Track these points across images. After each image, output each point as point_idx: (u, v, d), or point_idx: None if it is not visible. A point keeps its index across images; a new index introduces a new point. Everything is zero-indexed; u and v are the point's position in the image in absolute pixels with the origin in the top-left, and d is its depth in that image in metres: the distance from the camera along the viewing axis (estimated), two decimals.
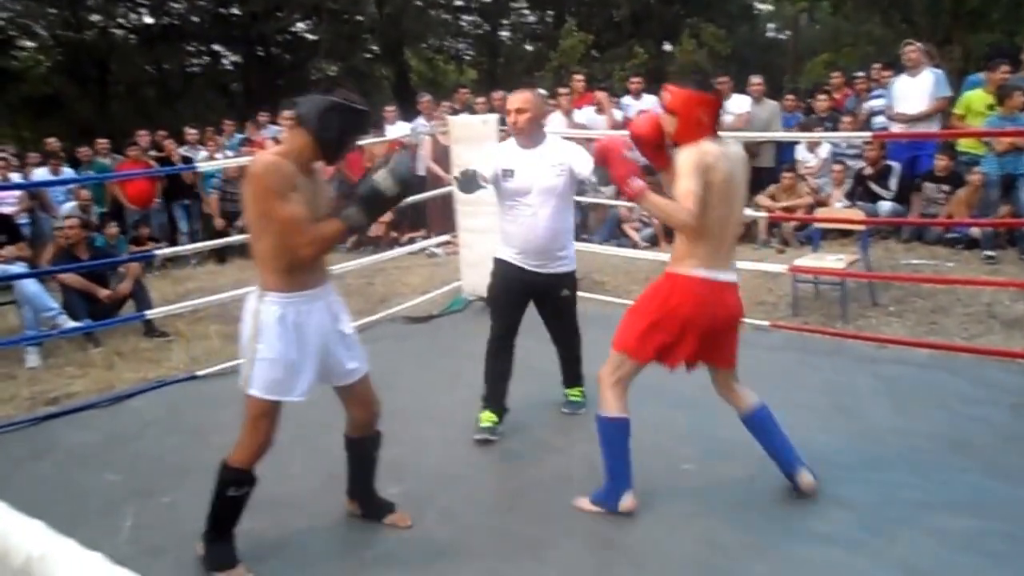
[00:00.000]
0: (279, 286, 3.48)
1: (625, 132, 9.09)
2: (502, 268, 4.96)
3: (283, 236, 3.33)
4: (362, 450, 4.06)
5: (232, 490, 3.64)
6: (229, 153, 12.45)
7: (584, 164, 4.79)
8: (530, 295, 5.01)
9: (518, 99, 4.78)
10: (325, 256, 3.62)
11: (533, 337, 5.20)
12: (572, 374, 5.43)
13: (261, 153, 3.56)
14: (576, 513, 4.04)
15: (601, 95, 11.73)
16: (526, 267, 4.88)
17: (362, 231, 3.12)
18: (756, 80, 11.26)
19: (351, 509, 4.19)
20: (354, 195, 3.47)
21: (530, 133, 4.81)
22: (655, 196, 3.77)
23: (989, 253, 8.29)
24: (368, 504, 4.13)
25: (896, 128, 9.54)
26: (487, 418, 4.98)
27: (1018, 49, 10.26)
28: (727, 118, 10.73)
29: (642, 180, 3.82)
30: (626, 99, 12.29)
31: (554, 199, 4.79)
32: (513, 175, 4.77)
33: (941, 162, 9.31)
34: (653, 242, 10.52)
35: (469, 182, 4.74)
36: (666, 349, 3.95)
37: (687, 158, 3.69)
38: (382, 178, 3.38)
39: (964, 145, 9.53)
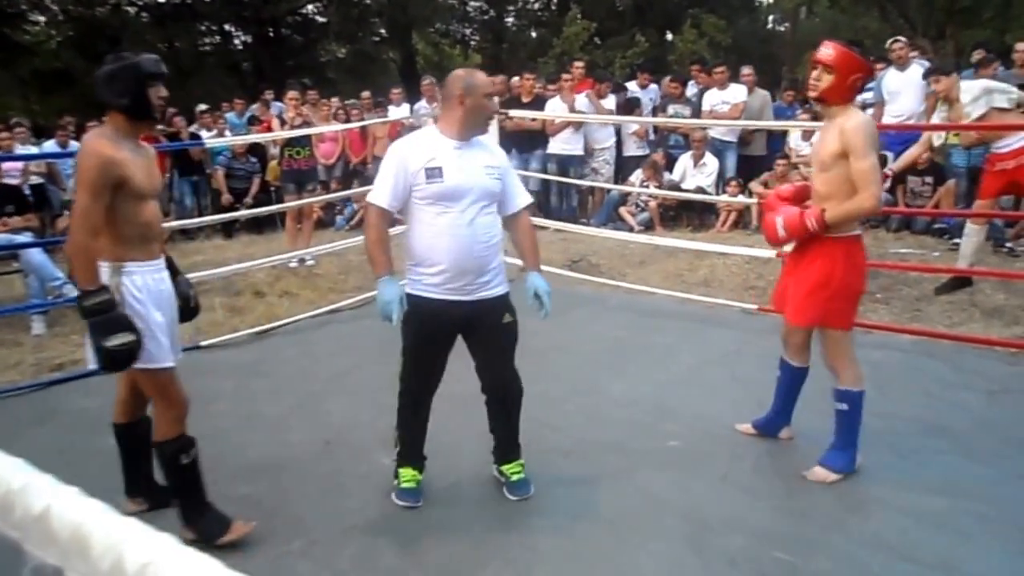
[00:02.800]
0: (134, 255, 3.51)
1: (616, 118, 9.17)
2: (421, 309, 3.81)
3: (74, 221, 3.39)
4: (138, 435, 3.95)
5: (183, 458, 3.67)
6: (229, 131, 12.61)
7: (523, 192, 4.13)
8: (458, 332, 3.98)
9: (492, 80, 4.15)
10: (159, 232, 3.69)
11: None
12: (508, 441, 4.20)
13: (88, 139, 3.49)
14: (563, 488, 4.13)
15: (593, 86, 11.86)
16: (452, 297, 3.81)
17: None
18: (747, 71, 11.47)
19: (132, 509, 3.95)
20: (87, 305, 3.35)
21: (487, 124, 4.05)
22: (836, 212, 3.93)
23: (956, 241, 8.43)
24: (152, 494, 4.04)
25: (887, 120, 9.66)
26: (409, 476, 4.07)
27: (1006, 47, 10.35)
28: (723, 107, 10.88)
29: (810, 211, 3.99)
30: (632, 85, 12.44)
31: (491, 206, 3.88)
32: (441, 175, 3.73)
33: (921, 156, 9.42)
34: (648, 226, 10.68)
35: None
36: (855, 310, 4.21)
37: (861, 130, 3.84)
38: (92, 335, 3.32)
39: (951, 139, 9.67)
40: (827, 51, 3.96)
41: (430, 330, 3.86)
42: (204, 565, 0.66)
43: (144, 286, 3.51)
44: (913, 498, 3.90)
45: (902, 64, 9.73)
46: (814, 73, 4.01)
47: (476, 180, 3.78)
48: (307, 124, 9.73)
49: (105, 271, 3.42)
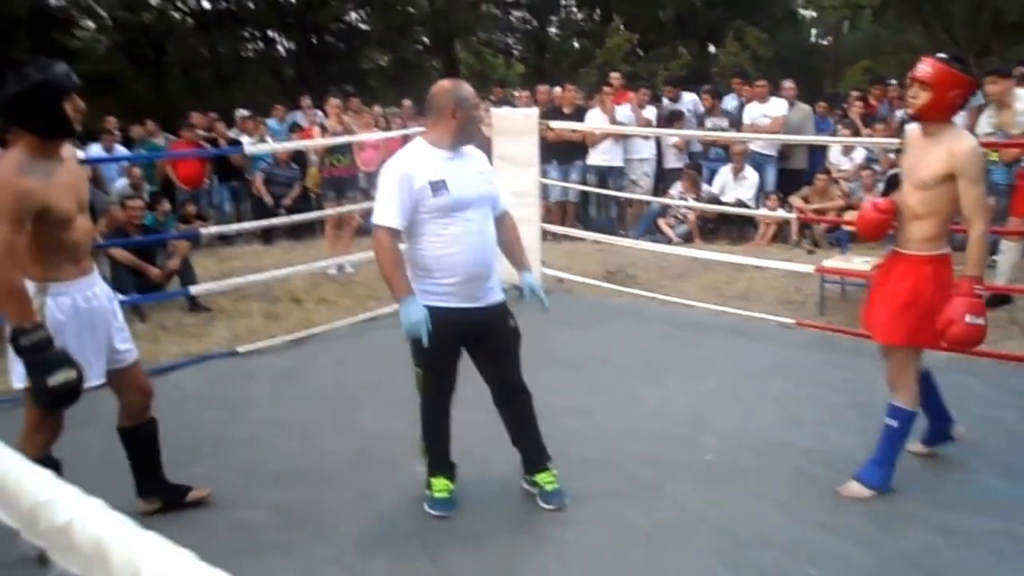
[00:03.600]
0: (60, 276, 3.46)
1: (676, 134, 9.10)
2: (434, 319, 3.76)
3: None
4: (143, 437, 3.98)
5: None
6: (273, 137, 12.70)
7: (503, 197, 4.08)
8: (465, 342, 3.97)
9: (475, 92, 3.99)
10: (88, 245, 3.62)
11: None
12: (534, 449, 4.16)
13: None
14: (596, 500, 4.11)
15: (632, 96, 11.86)
16: (464, 305, 3.82)
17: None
18: (788, 84, 11.46)
19: (146, 509, 3.98)
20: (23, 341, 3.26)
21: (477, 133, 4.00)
22: (973, 266, 3.92)
23: (994, 258, 8.34)
24: (165, 492, 4.05)
25: None
26: (442, 486, 4.07)
27: None
28: (764, 120, 10.83)
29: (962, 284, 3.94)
30: (665, 101, 12.42)
31: (490, 211, 3.92)
32: (446, 187, 3.73)
33: None
34: (687, 238, 10.66)
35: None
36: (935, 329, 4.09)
37: (975, 154, 3.84)
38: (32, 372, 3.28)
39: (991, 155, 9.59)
40: (924, 68, 3.89)
41: (444, 339, 3.81)
42: None
43: (72, 307, 3.48)
44: (947, 516, 3.85)
45: None
46: (911, 91, 3.96)
47: (477, 187, 3.83)
48: (348, 132, 9.78)
49: (30, 289, 3.34)
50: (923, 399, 4.29)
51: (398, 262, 3.81)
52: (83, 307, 3.52)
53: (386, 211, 3.77)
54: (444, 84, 3.94)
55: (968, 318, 3.84)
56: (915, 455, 4.40)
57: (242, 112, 13.53)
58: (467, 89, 3.88)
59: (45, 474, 0.81)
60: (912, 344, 4.06)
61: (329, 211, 9.45)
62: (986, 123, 7.43)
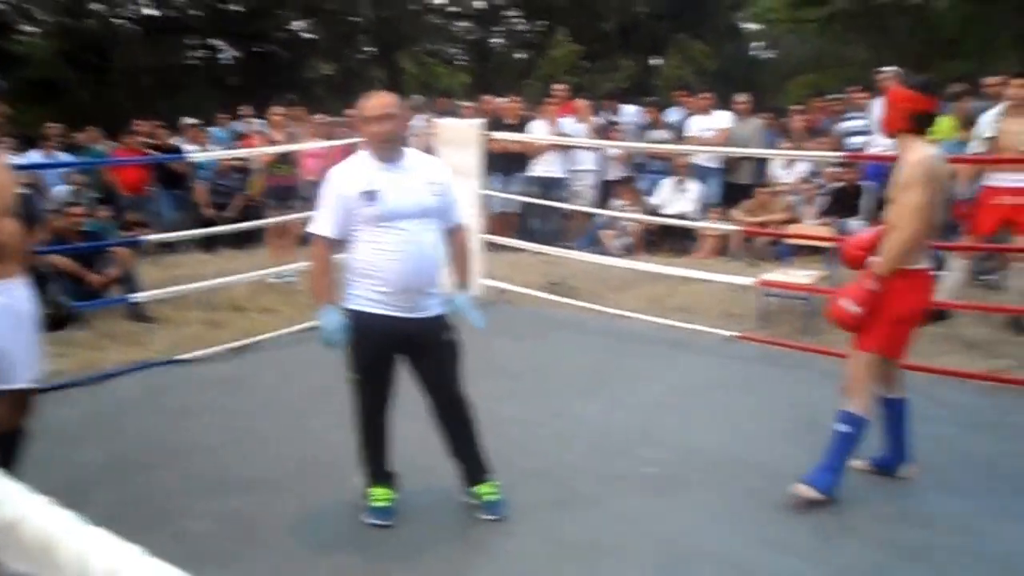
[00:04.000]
0: None
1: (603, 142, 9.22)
2: (363, 323, 3.85)
3: None
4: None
5: None
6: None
7: (459, 209, 4.09)
8: (401, 351, 3.98)
9: (381, 104, 3.86)
10: (12, 248, 3.52)
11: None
12: (474, 463, 4.15)
13: None
14: (536, 512, 4.13)
15: (580, 103, 11.97)
16: (396, 314, 3.83)
17: None
18: (741, 98, 11.56)
19: None
20: None
21: (395, 145, 3.91)
22: (881, 259, 4.06)
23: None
24: None
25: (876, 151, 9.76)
26: (381, 495, 4.07)
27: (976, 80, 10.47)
28: (707, 133, 10.97)
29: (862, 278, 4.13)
30: (603, 114, 12.53)
31: (433, 223, 3.89)
32: (377, 198, 3.76)
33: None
34: (630, 251, 10.74)
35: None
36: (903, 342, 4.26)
37: (918, 164, 3.98)
38: None
39: None
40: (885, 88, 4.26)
41: (374, 344, 3.88)
42: (167, 574, 0.70)
43: (6, 305, 3.43)
44: (890, 530, 3.93)
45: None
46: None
47: (413, 198, 3.82)
48: (292, 141, 9.77)
49: None
50: (889, 424, 4.41)
51: (325, 271, 3.94)
52: (13, 306, 3.47)
53: (322, 221, 3.89)
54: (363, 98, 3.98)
55: (843, 302, 4.14)
56: (857, 471, 4.46)
57: (187, 120, 13.43)
58: (367, 104, 3.88)
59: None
60: (873, 351, 4.14)
61: (271, 220, 9.41)
62: (989, 127, 7.42)
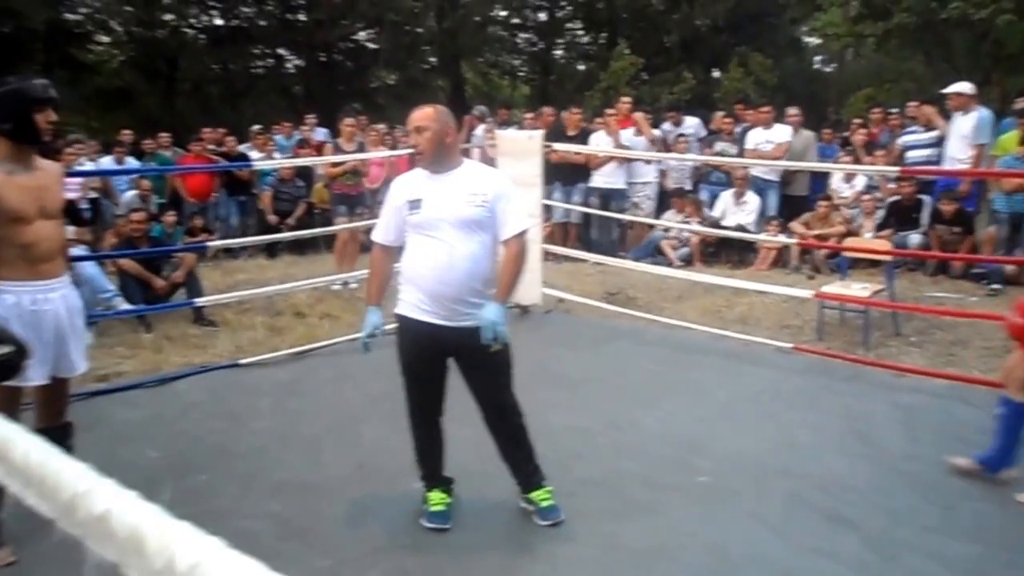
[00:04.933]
0: (9, 275, 3.61)
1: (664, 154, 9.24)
2: (405, 327, 3.98)
3: None
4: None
5: None
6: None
7: (513, 222, 3.95)
8: (447, 355, 4.02)
9: (418, 116, 3.88)
10: (60, 248, 3.81)
11: None
12: (527, 471, 4.18)
13: None
14: (591, 518, 4.14)
15: (638, 116, 11.98)
16: (435, 321, 3.88)
17: None
18: (793, 111, 11.58)
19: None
20: None
21: (435, 156, 3.89)
22: None
23: (995, 287, 8.51)
24: None
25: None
26: (438, 499, 4.14)
27: None
28: (767, 147, 10.92)
29: None
30: (665, 126, 12.50)
31: (476, 234, 3.86)
32: (420, 206, 3.85)
33: (948, 207, 9.49)
34: (688, 261, 10.74)
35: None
36: None
37: None
38: None
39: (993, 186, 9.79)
40: None
41: (415, 349, 3.98)
42: (249, 567, 0.74)
43: (14, 306, 3.58)
44: (943, 544, 3.87)
45: (959, 110, 9.69)
46: None
47: (451, 208, 3.84)
48: (361, 151, 9.88)
49: None
50: (1007, 426, 4.41)
51: (375, 274, 4.18)
52: (27, 308, 3.63)
53: (378, 228, 4.13)
54: None
55: (1016, 315, 4.27)
56: (958, 469, 4.53)
57: (256, 127, 13.64)
58: (411, 116, 3.96)
59: (82, 466, 0.87)
60: None
61: (335, 228, 9.53)
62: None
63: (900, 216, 9.92)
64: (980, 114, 9.55)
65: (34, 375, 3.62)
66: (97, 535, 0.82)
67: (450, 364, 4.05)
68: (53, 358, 3.75)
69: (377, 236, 4.08)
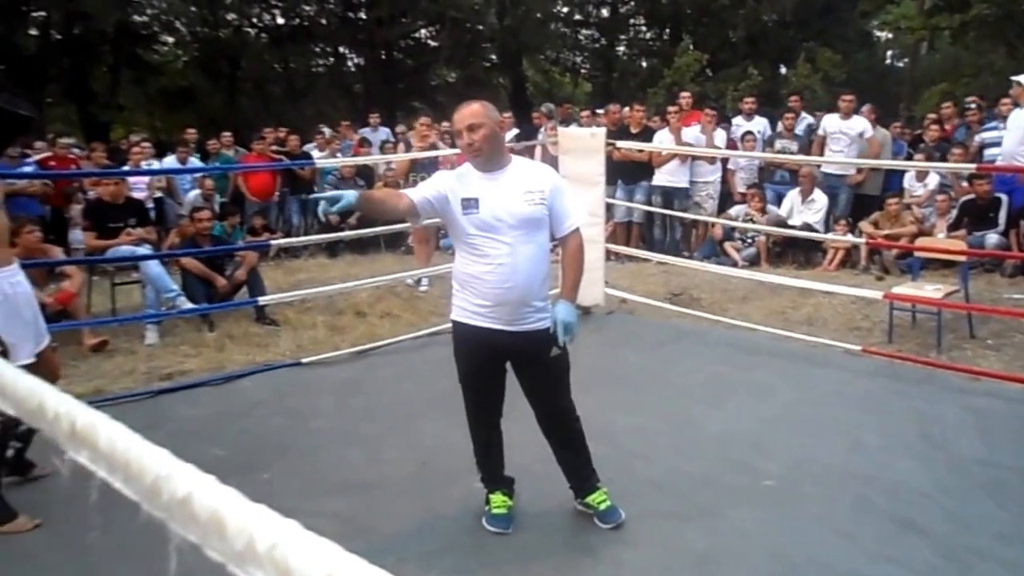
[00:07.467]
0: None
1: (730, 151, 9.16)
2: (464, 334, 3.87)
3: None
4: None
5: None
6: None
7: (570, 218, 3.87)
8: (505, 360, 3.93)
9: (469, 113, 3.72)
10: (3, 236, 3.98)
11: None
12: (582, 476, 4.14)
13: None
14: (653, 521, 4.10)
15: (704, 117, 11.87)
16: (493, 326, 3.76)
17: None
18: (867, 108, 11.34)
19: None
20: None
21: (491, 154, 3.75)
22: None
23: None
24: None
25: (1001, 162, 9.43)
26: (499, 502, 4.10)
27: None
28: (840, 136, 10.73)
29: None
30: (737, 119, 12.38)
31: (535, 233, 3.75)
32: (477, 206, 3.69)
33: None
34: (754, 261, 10.60)
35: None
36: None
37: None
38: None
39: None
40: None
41: (475, 356, 3.87)
42: (325, 548, 0.74)
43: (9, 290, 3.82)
44: (1015, 552, 3.77)
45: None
46: None
47: (511, 208, 3.69)
48: (432, 149, 9.94)
49: None
50: None
51: (388, 195, 4.21)
52: (8, 292, 3.82)
53: (418, 188, 3.87)
54: None
55: None
56: None
57: (321, 127, 13.76)
58: (457, 114, 3.78)
59: (163, 451, 0.88)
60: None
61: (396, 227, 9.55)
62: None
63: (975, 215, 9.68)
64: None
65: (21, 354, 3.79)
66: (180, 517, 0.83)
67: (507, 367, 3.97)
68: (34, 335, 3.99)
69: (414, 193, 3.80)
